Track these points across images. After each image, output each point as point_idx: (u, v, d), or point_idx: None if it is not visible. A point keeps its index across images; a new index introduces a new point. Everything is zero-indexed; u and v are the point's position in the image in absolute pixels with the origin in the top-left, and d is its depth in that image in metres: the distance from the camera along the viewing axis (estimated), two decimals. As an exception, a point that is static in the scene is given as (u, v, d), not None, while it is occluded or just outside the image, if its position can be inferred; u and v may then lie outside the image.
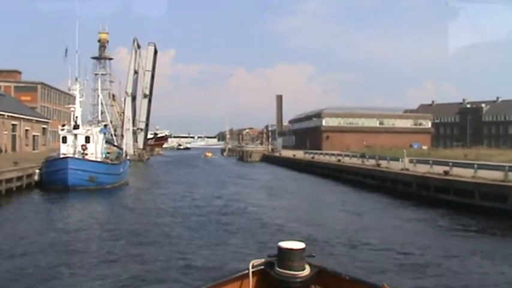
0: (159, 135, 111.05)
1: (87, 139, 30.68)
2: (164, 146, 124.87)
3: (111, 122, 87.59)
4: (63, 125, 32.04)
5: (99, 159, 30.98)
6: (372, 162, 36.90)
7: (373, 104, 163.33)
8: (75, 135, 30.55)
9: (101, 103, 41.75)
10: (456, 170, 25.16)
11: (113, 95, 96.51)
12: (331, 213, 21.94)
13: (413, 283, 10.59)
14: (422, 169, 28.37)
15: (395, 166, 31.61)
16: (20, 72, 77.75)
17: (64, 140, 30.75)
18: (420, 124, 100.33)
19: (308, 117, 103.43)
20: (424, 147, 75.72)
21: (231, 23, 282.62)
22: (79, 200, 25.15)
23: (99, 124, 37.70)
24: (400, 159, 31.70)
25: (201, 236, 15.41)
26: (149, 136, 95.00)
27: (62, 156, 29.66)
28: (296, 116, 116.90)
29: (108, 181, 30.01)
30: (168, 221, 18.34)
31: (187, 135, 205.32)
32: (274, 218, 19.41)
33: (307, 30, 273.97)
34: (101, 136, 32.22)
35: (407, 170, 29.55)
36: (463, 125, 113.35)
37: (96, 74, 75.66)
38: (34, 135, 57.90)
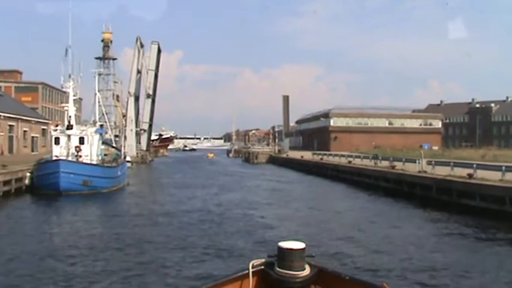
0: (164, 136, 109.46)
1: (82, 140, 28.74)
2: (170, 147, 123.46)
3: (115, 123, 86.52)
4: (57, 125, 30.15)
5: (94, 162, 29.04)
6: (385, 163, 34.80)
7: (379, 104, 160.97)
8: (69, 136, 28.66)
9: (99, 102, 39.51)
10: (479, 173, 23.17)
11: (117, 96, 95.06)
12: (352, 229, 17.96)
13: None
14: (441, 171, 26.36)
15: (411, 168, 29.58)
16: (20, 73, 76.55)
17: (57, 141, 28.84)
18: (430, 124, 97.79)
19: (315, 118, 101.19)
20: (435, 148, 73.40)
21: (237, 24, 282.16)
22: (69, 207, 22.88)
23: (95, 124, 35.76)
24: (417, 161, 29.51)
25: (195, 249, 13.44)
26: (154, 137, 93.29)
27: (54, 158, 27.78)
28: (303, 116, 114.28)
29: (104, 185, 28.03)
30: (163, 236, 15.97)
31: (193, 136, 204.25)
32: (282, 232, 16.93)
33: (313, 31, 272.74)
34: (97, 137, 30.16)
35: (424, 172, 27.51)
36: (472, 125, 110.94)
37: (98, 73, 73.64)
38: (33, 137, 55.84)
